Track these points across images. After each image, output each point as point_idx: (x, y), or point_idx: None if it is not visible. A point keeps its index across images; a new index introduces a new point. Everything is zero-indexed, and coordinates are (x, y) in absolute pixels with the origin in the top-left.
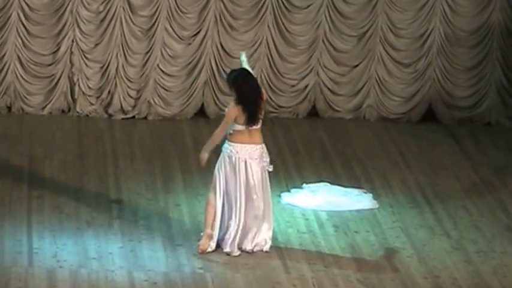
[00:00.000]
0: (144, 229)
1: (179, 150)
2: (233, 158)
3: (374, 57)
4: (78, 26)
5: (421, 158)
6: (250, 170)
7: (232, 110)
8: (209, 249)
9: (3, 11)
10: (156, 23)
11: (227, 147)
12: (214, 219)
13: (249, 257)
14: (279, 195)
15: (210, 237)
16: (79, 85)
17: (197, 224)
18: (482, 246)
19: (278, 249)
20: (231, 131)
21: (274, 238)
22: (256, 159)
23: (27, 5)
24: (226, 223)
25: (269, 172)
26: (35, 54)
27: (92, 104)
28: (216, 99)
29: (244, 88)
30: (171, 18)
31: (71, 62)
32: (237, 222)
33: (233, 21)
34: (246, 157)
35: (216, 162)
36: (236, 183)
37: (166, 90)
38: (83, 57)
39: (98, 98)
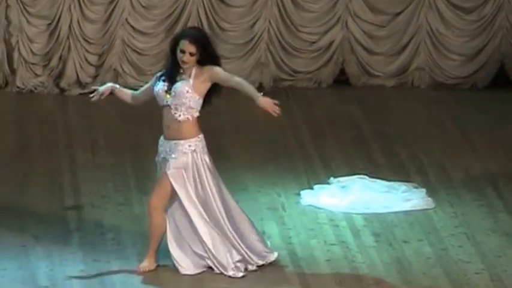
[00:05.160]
0: (114, 245)
1: (158, 134)
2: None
3: (424, 0)
4: None
5: (490, 138)
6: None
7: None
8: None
9: None
10: None
11: (199, 142)
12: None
13: (257, 280)
14: (298, 194)
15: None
16: (19, 50)
17: None
18: None
19: (298, 267)
20: (197, 113)
21: (292, 252)
22: None
23: None
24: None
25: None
26: None
27: (38, 76)
28: None
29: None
30: None
31: (6, 18)
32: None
33: None
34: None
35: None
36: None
37: (138, 53)
38: (24, 11)
39: (45, 66)
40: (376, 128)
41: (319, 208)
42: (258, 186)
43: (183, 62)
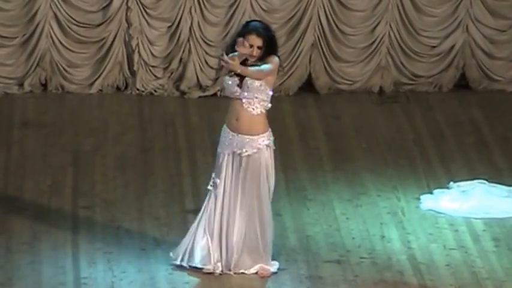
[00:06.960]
0: None
1: (279, 137)
2: None
3: None
4: None
5: None
6: None
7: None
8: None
9: None
10: None
11: (271, 136)
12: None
13: (376, 283)
14: (418, 198)
15: None
16: (139, 52)
17: (305, 240)
18: None
19: (417, 271)
20: (269, 105)
21: (412, 256)
22: None
23: None
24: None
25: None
26: (77, 11)
27: (158, 78)
28: (327, 67)
29: None
30: None
31: (127, 20)
32: None
33: None
34: None
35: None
36: None
37: None
38: (144, 13)
39: (165, 69)
40: (497, 133)
41: (439, 213)
42: (378, 190)
43: (252, 56)
